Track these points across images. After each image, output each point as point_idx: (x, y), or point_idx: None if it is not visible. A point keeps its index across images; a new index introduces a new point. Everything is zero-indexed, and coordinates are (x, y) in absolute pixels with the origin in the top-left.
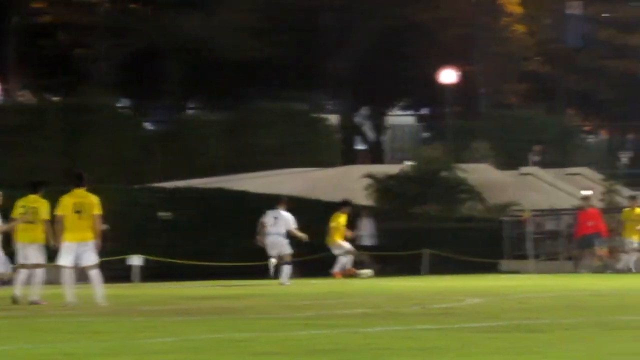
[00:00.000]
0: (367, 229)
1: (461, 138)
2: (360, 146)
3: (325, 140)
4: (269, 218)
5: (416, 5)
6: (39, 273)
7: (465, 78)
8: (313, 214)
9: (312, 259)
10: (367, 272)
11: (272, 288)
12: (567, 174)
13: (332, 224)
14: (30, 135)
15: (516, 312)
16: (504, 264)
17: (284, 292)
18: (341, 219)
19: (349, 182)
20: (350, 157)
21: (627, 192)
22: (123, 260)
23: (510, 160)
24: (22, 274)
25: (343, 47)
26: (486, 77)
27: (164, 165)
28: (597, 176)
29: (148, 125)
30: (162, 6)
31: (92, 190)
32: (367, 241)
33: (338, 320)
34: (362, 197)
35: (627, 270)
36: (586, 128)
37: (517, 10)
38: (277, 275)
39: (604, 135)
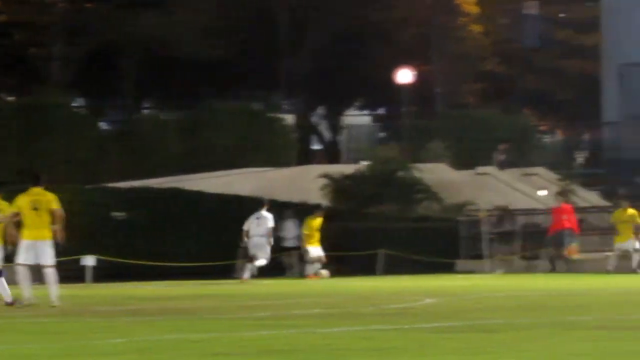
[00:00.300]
0: (290, 231)
1: (417, 138)
2: (316, 146)
3: (281, 140)
4: (252, 221)
5: (372, 5)
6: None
7: (421, 78)
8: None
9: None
10: (324, 272)
11: (228, 288)
12: (523, 174)
13: (305, 230)
14: None
15: (472, 312)
16: (460, 263)
17: (239, 293)
18: (314, 224)
19: (305, 182)
20: (306, 157)
21: (582, 192)
22: (77, 261)
23: (466, 160)
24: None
25: (299, 46)
26: (443, 77)
27: (119, 165)
28: (553, 176)
29: (104, 125)
30: (119, 5)
31: (48, 190)
32: (290, 243)
33: (294, 321)
34: (318, 197)
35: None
36: (542, 128)
37: (474, 10)
38: (258, 275)
39: (560, 135)
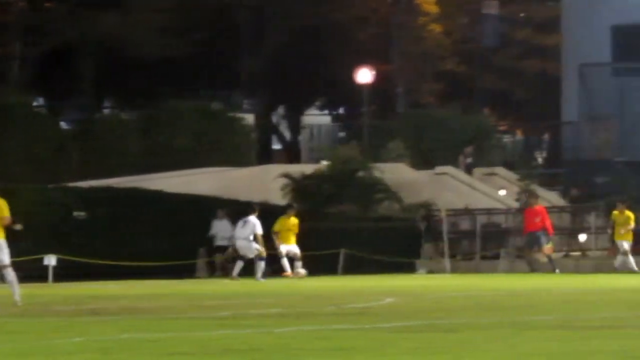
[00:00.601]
0: (222, 230)
1: (377, 138)
2: (277, 146)
3: (241, 140)
4: (239, 223)
5: (331, 4)
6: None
7: (381, 77)
8: (230, 214)
9: (227, 258)
10: (302, 271)
11: (186, 288)
12: (483, 174)
13: (275, 228)
14: None
15: (432, 312)
16: (420, 263)
17: (198, 292)
18: (286, 223)
19: (265, 181)
20: (266, 157)
21: (542, 191)
22: (37, 260)
23: (426, 160)
24: None
25: (258, 45)
26: (403, 77)
27: (79, 165)
28: (513, 176)
29: (64, 125)
30: (77, 5)
31: (7, 190)
32: (221, 242)
33: (253, 321)
34: (279, 197)
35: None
36: (502, 128)
37: (434, 9)
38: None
39: (520, 135)
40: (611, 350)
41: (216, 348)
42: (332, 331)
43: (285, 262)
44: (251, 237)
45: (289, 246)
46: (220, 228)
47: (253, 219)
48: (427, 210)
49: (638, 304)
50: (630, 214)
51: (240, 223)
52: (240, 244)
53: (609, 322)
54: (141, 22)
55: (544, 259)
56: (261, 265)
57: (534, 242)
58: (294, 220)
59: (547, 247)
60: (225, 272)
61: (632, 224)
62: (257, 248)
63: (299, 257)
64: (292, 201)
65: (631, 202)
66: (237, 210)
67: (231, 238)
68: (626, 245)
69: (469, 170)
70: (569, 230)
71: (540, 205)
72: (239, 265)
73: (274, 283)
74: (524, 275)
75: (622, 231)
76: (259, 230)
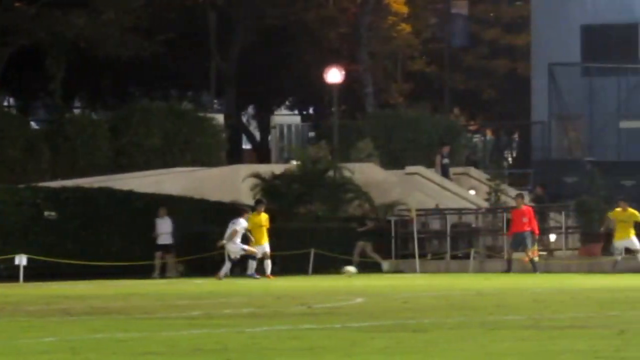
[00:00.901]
0: (164, 229)
1: (347, 138)
2: (247, 146)
3: (211, 140)
4: (230, 225)
5: (300, 4)
6: None
7: (351, 77)
8: (199, 214)
9: (198, 258)
10: (352, 269)
11: (157, 288)
12: (453, 174)
13: (248, 227)
14: None
15: (400, 312)
16: (391, 263)
17: (170, 292)
18: (258, 219)
19: (235, 181)
20: (236, 157)
21: (512, 191)
22: (8, 260)
23: (395, 160)
24: None
25: (227, 45)
26: (372, 77)
27: (50, 165)
28: (483, 175)
29: (34, 125)
30: (47, 5)
31: None
32: (164, 240)
33: (223, 320)
34: (249, 197)
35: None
36: (472, 128)
37: (403, 9)
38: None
39: (489, 135)
40: (580, 349)
41: (187, 348)
42: (303, 331)
43: (254, 264)
44: (237, 240)
45: (262, 247)
46: (162, 227)
47: (243, 222)
48: (364, 211)
49: (607, 304)
50: (634, 211)
51: (230, 225)
52: (230, 247)
53: (579, 321)
54: (110, 22)
55: (527, 261)
56: (252, 264)
57: (519, 243)
58: (264, 216)
59: (533, 250)
60: (164, 274)
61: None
62: (244, 248)
63: (269, 256)
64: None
65: (601, 202)
66: (210, 209)
67: (172, 236)
68: (636, 242)
69: (445, 170)
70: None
71: (527, 206)
72: (228, 266)
73: (247, 283)
74: (495, 275)
75: (624, 230)
76: (238, 227)
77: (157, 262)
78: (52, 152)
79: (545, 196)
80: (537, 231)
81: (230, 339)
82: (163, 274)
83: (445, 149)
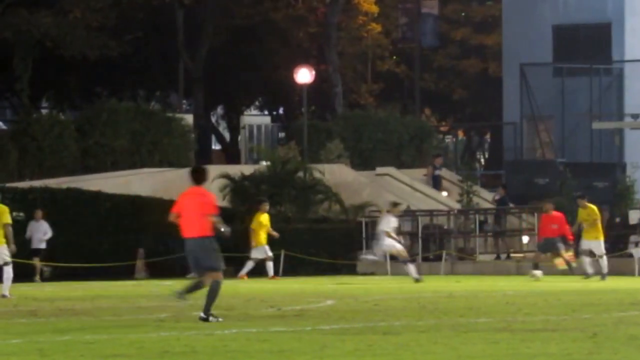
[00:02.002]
0: (38, 232)
1: (316, 138)
2: (216, 146)
3: (179, 140)
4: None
5: (269, 3)
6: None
7: (320, 77)
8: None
9: (166, 259)
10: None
11: (125, 290)
12: (423, 175)
13: (252, 225)
14: None
15: (372, 314)
16: (360, 265)
17: (137, 294)
18: (262, 218)
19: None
20: (205, 157)
21: (484, 193)
22: None
23: (365, 160)
24: None
25: (195, 45)
26: (341, 77)
27: (16, 165)
28: (455, 177)
29: (0, 125)
30: (13, 4)
31: None
32: (38, 244)
33: (191, 323)
34: (219, 198)
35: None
36: (442, 129)
37: (373, 9)
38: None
39: (461, 135)
40: (552, 352)
41: (155, 350)
42: (272, 333)
43: (251, 265)
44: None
45: (264, 247)
46: (36, 230)
47: (394, 221)
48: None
49: (579, 307)
50: (593, 207)
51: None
52: (382, 246)
53: (551, 324)
54: (77, 21)
55: (563, 266)
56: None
57: (549, 247)
58: (267, 215)
59: (569, 254)
60: (42, 277)
61: (598, 217)
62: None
63: (271, 257)
64: (231, 202)
65: (573, 203)
66: None
67: (42, 240)
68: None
69: (437, 182)
70: (510, 231)
71: (558, 213)
72: (250, 265)
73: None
74: (466, 278)
75: (588, 229)
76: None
77: (38, 265)
78: (19, 152)
79: (507, 197)
80: (570, 237)
81: (199, 342)
82: (34, 278)
83: (438, 160)
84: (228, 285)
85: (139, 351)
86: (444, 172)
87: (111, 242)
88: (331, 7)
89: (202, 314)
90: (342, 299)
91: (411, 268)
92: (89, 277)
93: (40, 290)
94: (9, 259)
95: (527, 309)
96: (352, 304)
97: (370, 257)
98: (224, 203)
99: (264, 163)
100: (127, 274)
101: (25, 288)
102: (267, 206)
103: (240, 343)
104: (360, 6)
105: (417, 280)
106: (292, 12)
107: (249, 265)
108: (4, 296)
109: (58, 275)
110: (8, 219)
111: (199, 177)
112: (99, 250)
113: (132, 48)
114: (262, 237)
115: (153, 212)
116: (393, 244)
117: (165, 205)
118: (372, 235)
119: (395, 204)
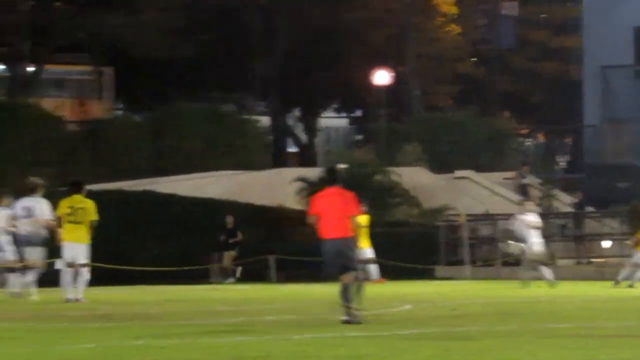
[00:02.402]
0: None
1: (394, 141)
2: (291, 149)
3: (254, 143)
4: None
5: (346, 4)
6: (85, 272)
7: (397, 80)
8: (243, 217)
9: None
10: None
11: (197, 293)
12: (503, 178)
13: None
14: None
15: (448, 319)
16: (439, 269)
17: (210, 298)
18: (361, 221)
19: (279, 185)
20: (281, 160)
21: (564, 197)
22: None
23: (443, 163)
24: (68, 273)
25: (270, 46)
26: (419, 79)
27: (90, 167)
28: (535, 180)
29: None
30: (85, 5)
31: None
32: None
33: (266, 327)
34: (293, 201)
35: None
36: (521, 131)
37: (452, 10)
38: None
39: (540, 138)
40: (629, 358)
41: (228, 355)
42: (347, 338)
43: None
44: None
45: (365, 251)
46: None
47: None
48: None
49: None
50: None
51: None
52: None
53: (630, 330)
54: (150, 22)
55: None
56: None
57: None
58: (366, 216)
59: None
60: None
61: None
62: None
63: (374, 259)
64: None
65: None
66: (255, 213)
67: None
68: None
69: (525, 190)
70: (590, 236)
71: None
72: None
73: (291, 289)
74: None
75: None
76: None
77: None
78: (93, 154)
79: (584, 201)
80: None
81: (273, 346)
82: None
83: (525, 169)
84: (302, 289)
85: (212, 356)
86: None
87: (184, 244)
88: (409, 8)
89: (345, 317)
90: (419, 303)
91: (545, 271)
92: (161, 281)
93: (113, 294)
94: (86, 261)
95: (607, 315)
96: (430, 308)
97: (512, 246)
98: (301, 206)
99: (340, 166)
100: (201, 277)
101: (97, 292)
102: (364, 207)
103: (315, 348)
104: (439, 7)
105: (551, 285)
106: (368, 13)
107: (372, 269)
108: (77, 300)
109: (130, 279)
110: (95, 216)
111: (335, 177)
112: (172, 253)
113: (205, 49)
114: (362, 239)
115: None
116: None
117: (241, 207)
118: (449, 240)
119: (523, 201)
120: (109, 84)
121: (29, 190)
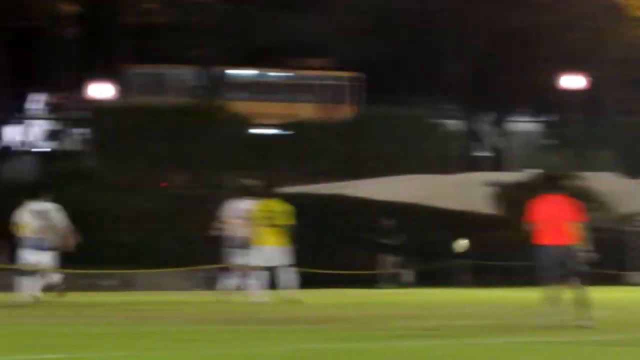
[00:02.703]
0: None
1: (585, 146)
2: (479, 152)
3: (443, 146)
4: None
5: (537, 8)
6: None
7: (589, 84)
8: (432, 221)
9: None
10: None
11: (386, 297)
12: None
13: None
14: None
15: None
16: (630, 275)
17: (400, 302)
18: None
19: (468, 189)
20: (469, 164)
21: None
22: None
23: (637, 169)
24: (258, 277)
25: (461, 50)
26: (611, 83)
27: (286, 170)
28: None
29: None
30: (273, 7)
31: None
32: None
33: (458, 331)
34: (482, 205)
35: None
36: None
37: None
38: None
39: None
40: None
41: (425, 359)
42: (543, 344)
43: None
44: None
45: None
46: None
47: None
48: None
49: None
50: None
51: None
52: None
53: None
54: (339, 24)
55: None
56: None
57: None
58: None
59: None
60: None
61: None
62: None
63: None
64: (499, 210)
65: None
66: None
67: None
68: None
69: None
70: None
71: None
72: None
73: (478, 294)
74: None
75: None
76: None
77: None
78: (289, 157)
79: None
80: None
81: (466, 351)
82: None
83: None
84: (492, 294)
85: None
86: None
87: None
88: (601, 12)
89: (580, 322)
90: (615, 309)
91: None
92: (352, 284)
93: (308, 297)
94: (286, 262)
95: None
96: (625, 315)
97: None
98: (492, 210)
99: (527, 170)
100: (390, 280)
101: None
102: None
103: (510, 353)
104: (631, 10)
105: None
106: (559, 16)
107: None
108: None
109: (319, 282)
110: (291, 220)
111: (557, 184)
112: (358, 258)
113: (397, 52)
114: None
115: (420, 219)
116: None
117: (431, 212)
118: (638, 246)
119: None
120: (357, 88)
121: (244, 192)
